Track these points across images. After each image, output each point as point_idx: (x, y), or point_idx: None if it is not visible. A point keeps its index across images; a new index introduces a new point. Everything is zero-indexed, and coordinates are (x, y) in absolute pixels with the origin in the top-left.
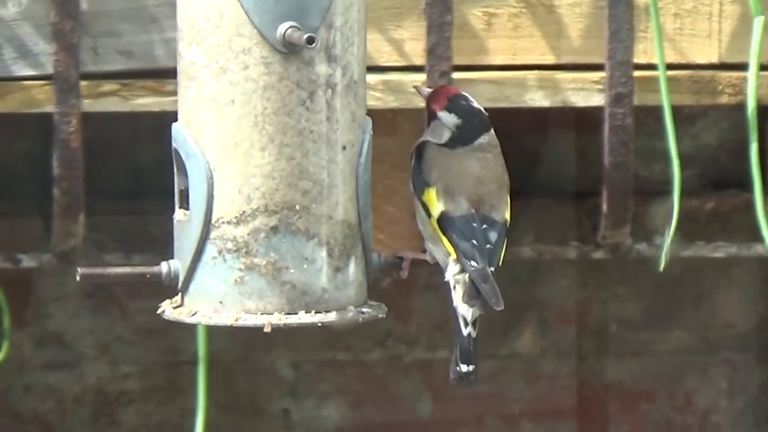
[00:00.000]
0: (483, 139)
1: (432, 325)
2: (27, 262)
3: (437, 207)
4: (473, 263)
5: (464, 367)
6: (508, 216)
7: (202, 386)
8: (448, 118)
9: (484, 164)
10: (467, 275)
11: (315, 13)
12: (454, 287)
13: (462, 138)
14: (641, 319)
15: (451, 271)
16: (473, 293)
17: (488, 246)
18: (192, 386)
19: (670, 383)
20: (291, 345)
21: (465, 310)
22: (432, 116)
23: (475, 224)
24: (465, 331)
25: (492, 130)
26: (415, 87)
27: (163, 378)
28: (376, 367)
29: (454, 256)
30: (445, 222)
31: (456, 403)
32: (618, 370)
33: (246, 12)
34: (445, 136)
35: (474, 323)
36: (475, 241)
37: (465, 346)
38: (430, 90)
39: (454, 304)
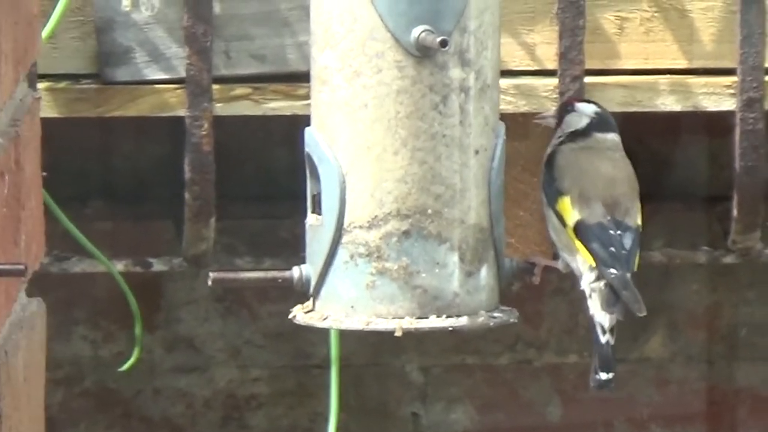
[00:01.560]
0: (615, 136)
1: (562, 329)
2: (158, 266)
3: (572, 215)
4: (612, 271)
5: (604, 375)
6: (640, 221)
7: (335, 390)
8: (587, 108)
9: (615, 164)
10: (603, 283)
11: (449, 17)
12: (590, 295)
13: (599, 125)
14: None
15: (587, 280)
16: (612, 300)
17: (624, 252)
18: (321, 390)
19: None
20: (420, 349)
21: (602, 318)
22: (566, 112)
23: (611, 231)
24: (603, 339)
25: (618, 133)
26: (536, 120)
27: (293, 382)
28: (505, 371)
29: (592, 264)
30: (581, 230)
31: (586, 408)
32: (748, 375)
33: (380, 16)
34: (583, 122)
35: (611, 331)
36: (612, 248)
37: (604, 354)
38: (551, 110)
39: (591, 312)
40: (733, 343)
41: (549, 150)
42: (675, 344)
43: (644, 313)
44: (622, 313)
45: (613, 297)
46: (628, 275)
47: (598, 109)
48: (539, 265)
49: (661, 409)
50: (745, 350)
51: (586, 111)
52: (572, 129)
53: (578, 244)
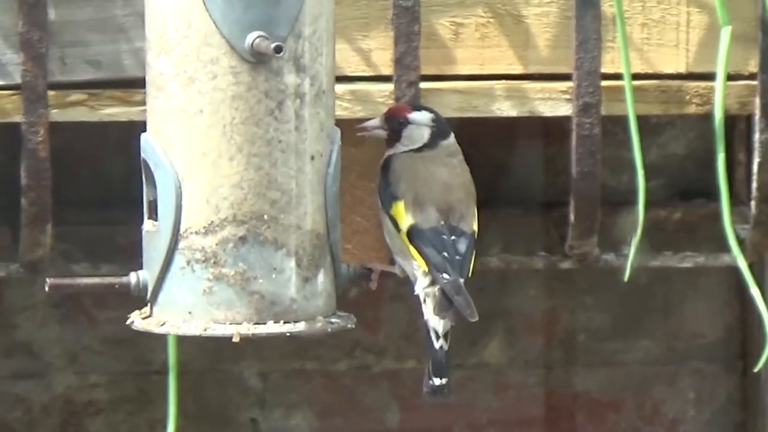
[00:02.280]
0: (453, 138)
1: (400, 335)
2: None
3: (406, 220)
4: (445, 275)
5: (437, 381)
6: (476, 226)
7: (173, 396)
8: (421, 116)
9: (451, 170)
10: (437, 288)
11: (283, 23)
12: (425, 300)
13: (440, 133)
14: (609, 329)
15: (421, 285)
16: (445, 305)
17: (458, 257)
18: (160, 396)
19: (637, 393)
20: (259, 355)
21: (436, 323)
22: (400, 126)
23: (444, 236)
24: (437, 344)
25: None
26: (360, 127)
27: (132, 388)
28: (344, 377)
29: (424, 269)
30: (415, 235)
31: (424, 414)
32: (586, 380)
33: (214, 22)
34: (426, 134)
35: (446, 336)
36: (446, 254)
37: (437, 360)
38: (375, 119)
39: (425, 317)
40: (571, 349)
41: (399, 150)
42: (513, 350)
43: (476, 319)
44: (455, 318)
45: (446, 302)
46: (461, 280)
47: (433, 115)
48: (376, 270)
49: (499, 415)
50: (583, 355)
51: (423, 121)
52: (418, 144)
53: (411, 248)
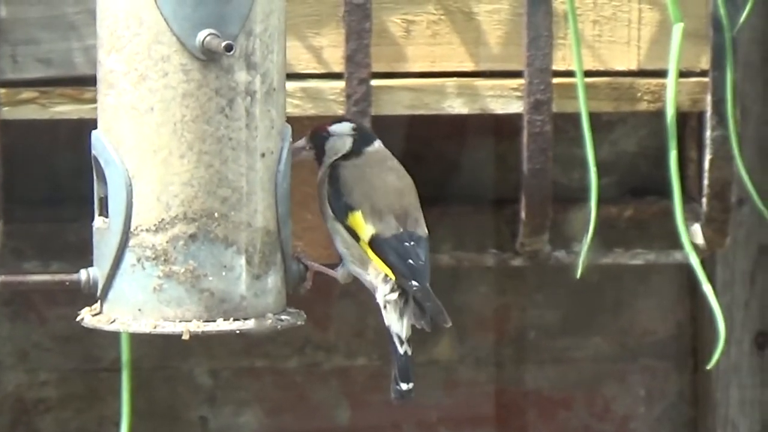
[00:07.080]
0: (377, 144)
1: (350, 332)
2: None
3: (366, 230)
4: (414, 283)
5: (404, 386)
6: (426, 229)
7: (126, 393)
8: (342, 127)
9: (397, 174)
10: (398, 294)
11: (234, 21)
12: (385, 307)
13: (363, 140)
14: (560, 326)
15: (382, 292)
16: (418, 313)
17: (421, 263)
18: (110, 393)
19: (588, 390)
20: (209, 352)
21: (399, 329)
22: (323, 140)
23: (406, 243)
24: (401, 350)
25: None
26: (292, 148)
27: (81, 385)
28: (294, 374)
29: (390, 276)
30: (378, 245)
31: (374, 411)
32: (536, 377)
33: (165, 19)
34: (347, 143)
35: (409, 341)
36: (410, 261)
37: (403, 365)
38: (300, 140)
39: (387, 323)
40: (522, 346)
41: (327, 164)
42: (464, 347)
43: (449, 324)
44: (429, 323)
45: (418, 309)
46: (428, 286)
47: (354, 125)
48: (311, 269)
49: (450, 412)
50: (534, 353)
51: (344, 131)
52: (341, 153)
53: (375, 257)
